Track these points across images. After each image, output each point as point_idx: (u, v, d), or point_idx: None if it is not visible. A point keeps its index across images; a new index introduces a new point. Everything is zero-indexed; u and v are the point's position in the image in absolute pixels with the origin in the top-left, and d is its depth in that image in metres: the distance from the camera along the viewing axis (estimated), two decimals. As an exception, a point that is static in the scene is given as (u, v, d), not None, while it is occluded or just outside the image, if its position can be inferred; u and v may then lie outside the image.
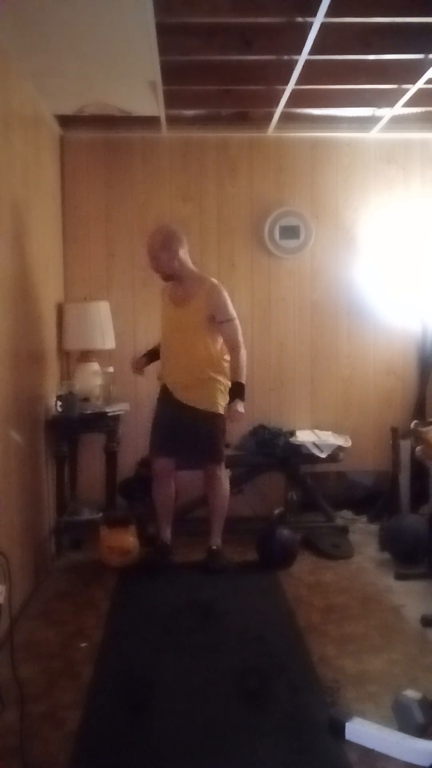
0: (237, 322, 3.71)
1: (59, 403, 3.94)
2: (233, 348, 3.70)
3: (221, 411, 3.75)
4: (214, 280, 3.77)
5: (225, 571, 3.76)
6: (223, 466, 3.88)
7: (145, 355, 4.00)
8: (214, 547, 3.88)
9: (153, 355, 3.97)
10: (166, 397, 3.83)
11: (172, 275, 3.75)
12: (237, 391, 3.65)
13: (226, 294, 3.71)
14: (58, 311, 4.27)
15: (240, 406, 3.61)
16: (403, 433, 4.30)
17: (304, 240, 4.58)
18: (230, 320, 3.69)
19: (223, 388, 3.75)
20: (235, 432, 4.49)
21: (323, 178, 4.62)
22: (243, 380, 3.66)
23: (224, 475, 3.90)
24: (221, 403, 3.75)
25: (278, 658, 2.82)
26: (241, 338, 3.70)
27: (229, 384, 3.71)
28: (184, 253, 3.74)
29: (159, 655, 2.86)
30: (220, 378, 3.75)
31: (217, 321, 3.68)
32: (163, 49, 3.15)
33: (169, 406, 3.80)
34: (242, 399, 3.63)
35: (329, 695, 2.54)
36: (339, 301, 4.66)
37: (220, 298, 3.69)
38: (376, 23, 3.07)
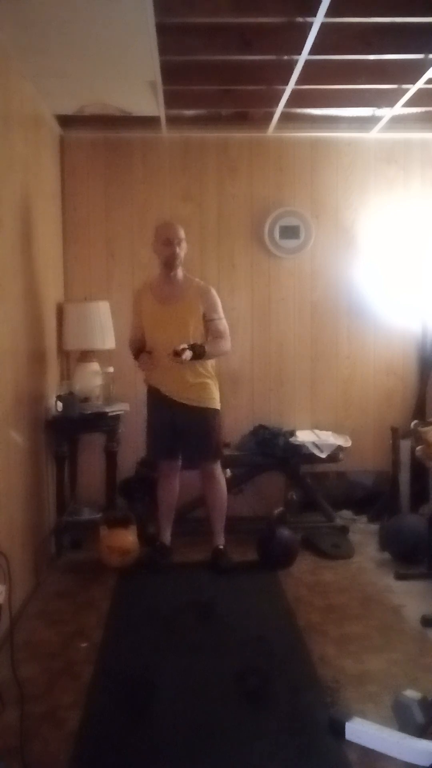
0: (226, 322, 3.81)
1: (59, 403, 3.94)
2: (221, 338, 3.76)
3: (217, 406, 3.80)
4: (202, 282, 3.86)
5: (234, 570, 3.77)
6: (219, 464, 3.90)
7: (146, 351, 3.81)
8: (221, 547, 3.88)
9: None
10: (157, 398, 3.82)
11: (177, 266, 3.74)
12: (196, 348, 3.58)
13: (217, 295, 3.81)
14: (58, 311, 4.27)
15: (186, 354, 3.52)
16: (403, 433, 4.30)
17: (304, 240, 4.58)
18: (221, 318, 3.79)
19: (214, 384, 3.81)
20: (235, 432, 4.50)
21: (323, 178, 4.62)
22: (206, 353, 3.64)
23: (221, 472, 3.91)
24: (216, 397, 3.80)
25: (278, 658, 2.82)
26: (228, 335, 3.79)
27: (216, 384, 3.81)
28: None
29: (159, 655, 2.86)
30: (211, 373, 3.80)
31: (208, 318, 3.74)
32: (163, 49, 3.14)
33: (162, 407, 3.79)
34: (195, 356, 3.56)
35: (329, 695, 2.54)
36: (339, 301, 4.66)
37: (214, 297, 3.78)
38: (376, 23, 3.07)
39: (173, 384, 3.72)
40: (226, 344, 3.80)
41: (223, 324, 3.79)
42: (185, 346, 3.54)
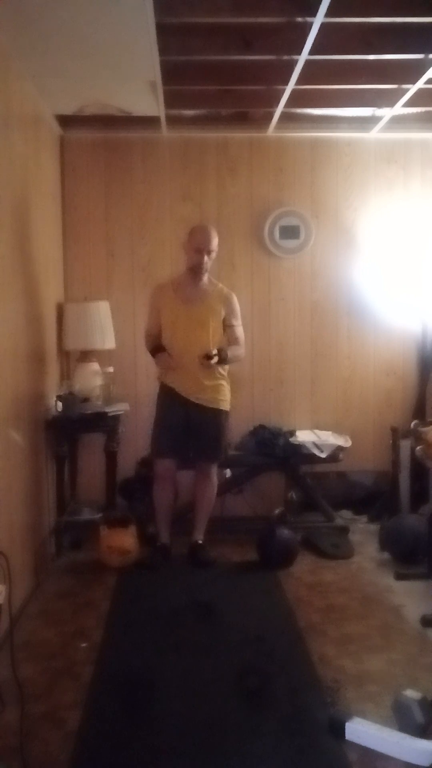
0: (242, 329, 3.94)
1: (59, 403, 3.94)
2: (238, 344, 3.87)
3: (228, 408, 3.89)
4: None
5: (213, 564, 3.83)
6: (216, 466, 3.97)
7: (164, 349, 3.79)
8: (200, 541, 3.95)
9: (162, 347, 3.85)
10: (170, 396, 3.83)
11: (203, 275, 3.80)
12: (222, 354, 3.71)
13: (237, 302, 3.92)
14: (58, 311, 4.27)
15: (215, 359, 3.67)
16: (403, 433, 4.30)
17: (304, 240, 4.58)
18: (240, 325, 3.91)
19: (227, 386, 3.88)
20: (235, 432, 4.50)
21: (323, 178, 4.62)
22: (228, 358, 3.77)
23: (215, 474, 3.99)
24: (228, 399, 3.88)
25: (278, 658, 2.82)
26: (244, 342, 3.93)
27: (229, 385, 3.90)
28: None
29: (159, 655, 2.86)
30: (225, 375, 3.87)
31: (228, 324, 3.84)
32: (163, 49, 3.14)
33: (175, 405, 3.81)
34: (220, 360, 3.70)
35: (329, 695, 2.54)
36: (339, 301, 4.66)
37: (236, 303, 3.90)
38: (376, 23, 3.07)
39: (189, 384, 3.77)
40: (242, 351, 3.92)
41: (241, 331, 3.90)
42: (216, 351, 3.66)
